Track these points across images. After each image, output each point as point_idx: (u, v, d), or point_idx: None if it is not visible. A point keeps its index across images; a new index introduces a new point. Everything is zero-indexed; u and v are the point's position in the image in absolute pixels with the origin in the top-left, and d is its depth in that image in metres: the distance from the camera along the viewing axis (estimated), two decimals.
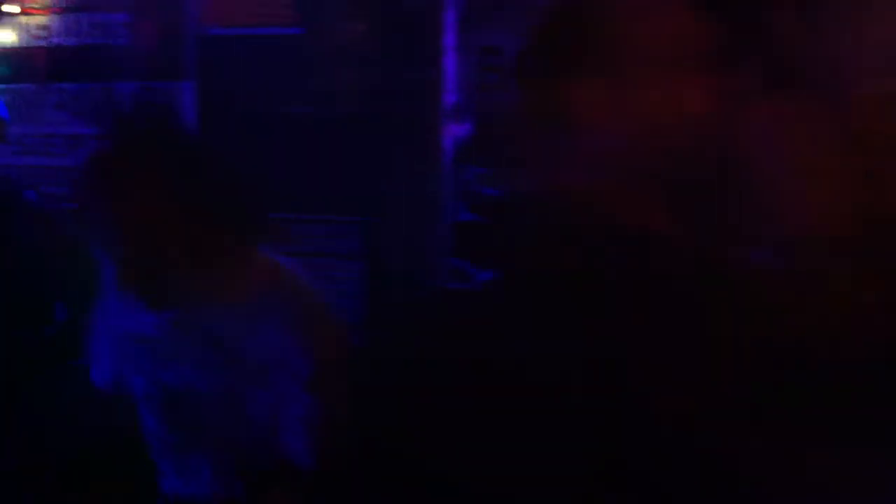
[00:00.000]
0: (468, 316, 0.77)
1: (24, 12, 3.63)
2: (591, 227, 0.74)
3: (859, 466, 0.67)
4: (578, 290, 0.71)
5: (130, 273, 1.54)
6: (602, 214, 0.74)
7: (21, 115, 3.64)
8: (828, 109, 0.69)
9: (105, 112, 2.66)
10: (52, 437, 2.30)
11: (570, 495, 0.69)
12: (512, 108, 0.84)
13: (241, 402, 1.60)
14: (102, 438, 2.13)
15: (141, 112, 1.84)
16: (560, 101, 0.76)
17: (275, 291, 1.57)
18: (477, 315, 0.76)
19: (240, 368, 1.58)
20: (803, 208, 0.69)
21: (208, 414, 1.61)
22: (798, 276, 0.68)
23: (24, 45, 3.67)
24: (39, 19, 3.64)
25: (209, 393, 1.61)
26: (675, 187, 0.71)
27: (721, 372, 0.68)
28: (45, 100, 3.63)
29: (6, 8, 3.63)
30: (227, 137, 3.03)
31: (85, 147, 1.57)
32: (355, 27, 3.04)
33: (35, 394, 2.34)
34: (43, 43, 3.64)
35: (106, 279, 1.68)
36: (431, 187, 3.04)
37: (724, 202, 0.70)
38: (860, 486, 0.68)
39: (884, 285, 0.66)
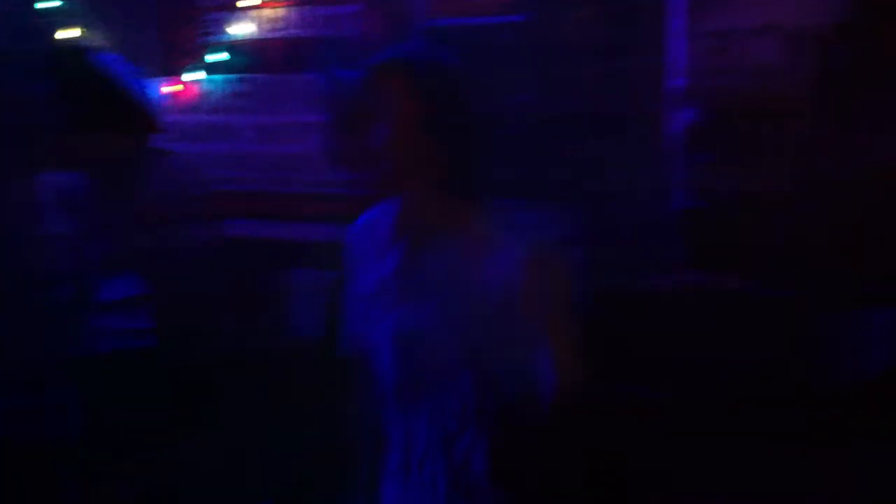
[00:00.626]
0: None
1: (261, 5, 3.85)
2: None
3: None
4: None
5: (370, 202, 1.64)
6: None
7: (259, 105, 3.88)
8: None
9: (334, 99, 2.80)
10: None
11: None
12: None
13: (470, 344, 1.60)
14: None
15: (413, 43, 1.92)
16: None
17: (507, 232, 1.57)
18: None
19: (471, 308, 1.58)
20: None
21: (438, 357, 1.63)
22: None
23: (261, 36, 3.89)
24: (275, 11, 3.84)
25: (440, 335, 1.62)
26: None
27: None
28: (282, 90, 3.83)
29: (246, 1, 3.86)
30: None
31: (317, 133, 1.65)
32: (580, 14, 3.03)
33: None
34: (278, 34, 3.85)
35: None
36: (654, 174, 3.00)
37: None
38: None
39: None
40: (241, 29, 3.87)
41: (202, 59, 3.93)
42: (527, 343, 1.49)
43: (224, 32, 3.90)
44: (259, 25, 3.86)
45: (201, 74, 3.93)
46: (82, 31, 4.12)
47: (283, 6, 3.81)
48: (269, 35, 3.86)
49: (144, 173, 2.43)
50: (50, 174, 2.62)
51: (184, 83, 3.98)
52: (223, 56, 3.91)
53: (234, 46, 3.90)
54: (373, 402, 1.76)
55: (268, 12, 3.85)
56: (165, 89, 4.01)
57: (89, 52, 2.48)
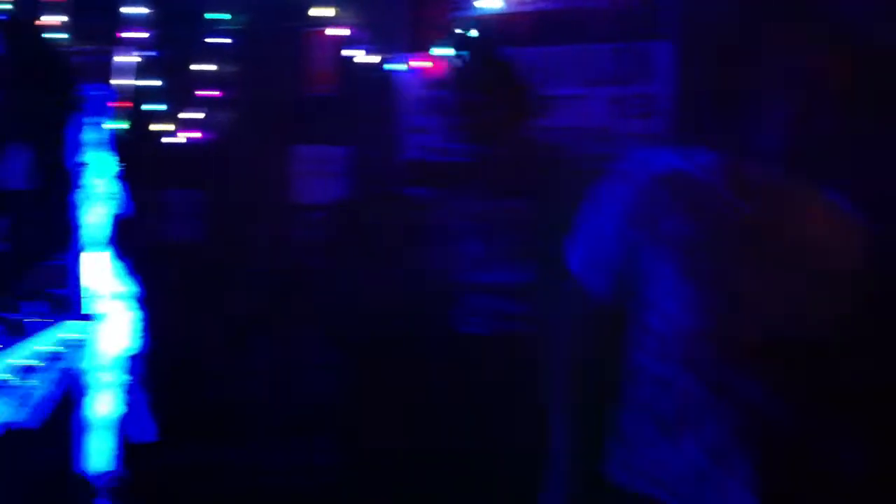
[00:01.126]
0: None
1: None
2: None
3: None
4: None
5: None
6: None
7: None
8: None
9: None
10: None
11: None
12: None
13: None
14: None
15: None
16: None
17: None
18: None
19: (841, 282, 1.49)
20: None
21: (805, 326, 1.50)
22: None
23: (510, 10, 3.86)
24: None
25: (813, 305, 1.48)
26: None
27: None
28: (529, 64, 3.78)
29: None
30: (708, 96, 2.94)
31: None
32: None
33: None
34: (527, 8, 3.80)
35: None
36: None
37: None
38: None
39: None
40: (490, 3, 3.85)
41: (452, 34, 3.95)
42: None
43: (473, 7, 3.90)
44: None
45: (450, 50, 3.96)
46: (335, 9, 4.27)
47: None
48: (519, 9, 3.82)
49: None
50: None
51: (433, 59, 4.03)
52: (472, 31, 3.92)
53: (482, 21, 3.89)
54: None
55: None
56: (414, 65, 4.08)
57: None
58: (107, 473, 1.97)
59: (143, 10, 4.98)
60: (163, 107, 4.74)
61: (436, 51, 4.00)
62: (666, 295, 1.49)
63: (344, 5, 4.27)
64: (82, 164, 2.08)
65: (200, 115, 4.74)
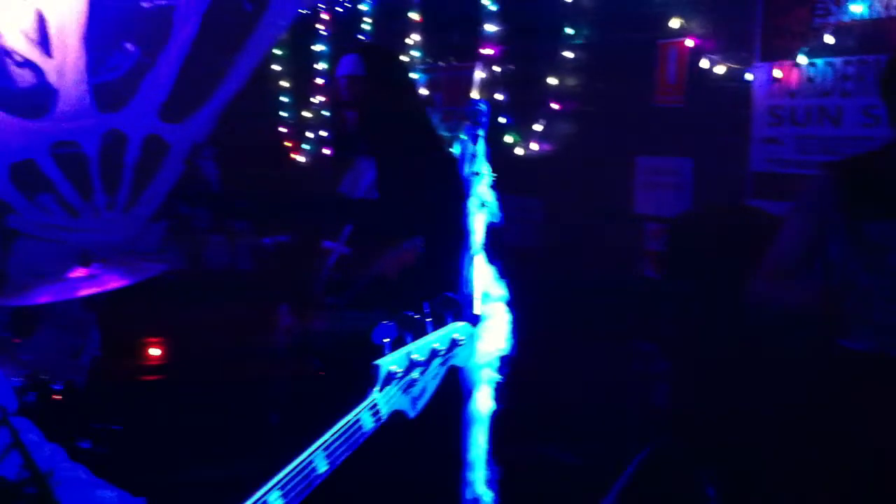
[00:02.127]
0: None
1: None
2: None
3: None
4: None
5: None
6: None
7: (867, 88, 3.62)
8: None
9: None
10: None
11: None
12: None
13: None
14: None
15: None
16: None
17: None
18: None
19: None
20: None
21: None
22: None
23: (877, 16, 3.62)
24: None
25: None
26: None
27: None
28: None
29: None
30: None
31: None
32: None
33: None
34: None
35: None
36: None
37: None
38: None
39: None
40: (857, 9, 3.63)
41: (811, 41, 3.77)
42: None
43: (838, 13, 3.70)
44: (877, 4, 3.59)
45: (805, 58, 3.79)
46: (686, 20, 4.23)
47: None
48: (888, 14, 3.57)
49: None
50: None
51: (789, 66, 3.87)
52: (830, 38, 3.72)
53: (845, 27, 3.68)
54: None
55: None
56: (767, 74, 3.95)
57: None
58: (484, 465, 2.09)
59: (494, 27, 5.24)
60: (511, 119, 4.97)
61: (795, 59, 3.83)
62: None
63: (695, 15, 4.22)
64: (475, 174, 2.21)
65: (547, 127, 4.90)
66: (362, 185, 3.23)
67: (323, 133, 6.57)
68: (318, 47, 6.56)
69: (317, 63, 6.58)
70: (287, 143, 6.79)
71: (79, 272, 3.17)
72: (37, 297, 3.18)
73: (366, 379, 1.66)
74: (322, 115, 6.61)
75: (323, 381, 3.15)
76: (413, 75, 4.93)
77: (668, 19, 4.26)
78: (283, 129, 6.80)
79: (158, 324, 4.00)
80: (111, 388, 3.57)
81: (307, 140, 6.75)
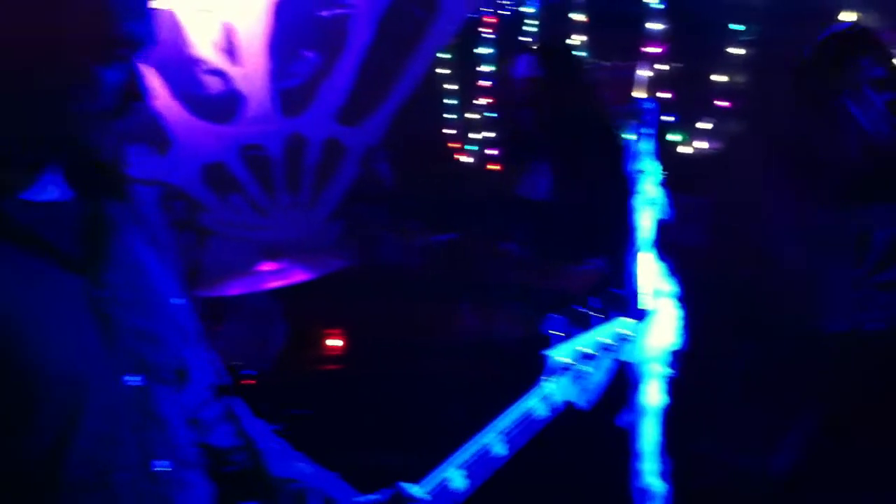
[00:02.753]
0: None
1: None
2: None
3: None
4: None
5: None
6: None
7: None
8: None
9: None
10: None
11: None
12: None
13: None
14: None
15: None
16: None
17: None
18: None
19: None
20: None
21: None
22: None
23: None
24: None
25: None
26: None
27: None
28: None
29: None
30: None
31: None
32: None
33: None
34: None
35: None
36: None
37: None
38: None
39: None
40: None
41: None
42: None
43: None
44: None
45: None
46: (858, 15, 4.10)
47: None
48: None
49: None
50: None
51: None
52: None
53: None
54: None
55: None
56: None
57: None
58: (656, 457, 2.14)
59: (660, 25, 5.23)
60: (677, 116, 4.94)
61: None
62: None
63: (868, 8, 4.09)
64: (639, 172, 2.26)
65: (714, 125, 4.85)
66: (541, 187, 3.24)
67: (488, 134, 6.69)
68: (482, 50, 6.69)
69: (481, 65, 6.71)
70: (452, 145, 6.95)
71: (267, 266, 3.41)
72: (229, 289, 3.44)
73: (536, 370, 1.75)
74: (486, 116, 6.73)
75: (499, 379, 3.20)
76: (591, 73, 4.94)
77: (840, 12, 4.15)
78: (448, 131, 6.97)
79: (338, 316, 4.21)
80: (295, 376, 3.80)
81: (471, 141, 6.89)
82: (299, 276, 3.39)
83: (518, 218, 3.27)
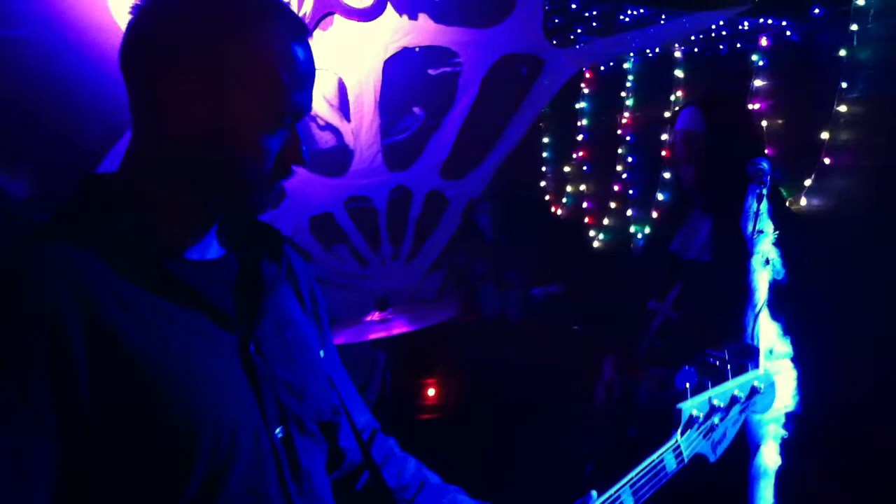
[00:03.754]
0: None
1: None
2: None
3: None
4: None
5: None
6: None
7: None
8: None
9: None
10: None
11: None
12: None
13: None
14: None
15: None
16: None
17: None
18: None
19: None
20: None
21: None
22: None
23: None
24: None
25: None
26: None
27: None
28: None
29: None
30: None
31: None
32: None
33: None
34: None
35: None
36: None
37: None
38: None
39: None
40: None
41: None
42: None
43: None
44: None
45: None
46: None
47: None
48: None
49: None
50: None
51: None
52: None
53: None
54: None
55: None
56: None
57: None
58: None
59: (763, 82, 5.21)
60: (781, 174, 4.88)
61: None
62: None
63: None
64: (759, 232, 2.27)
65: (818, 182, 4.78)
66: (694, 244, 3.04)
67: (582, 187, 6.73)
68: (580, 104, 6.76)
69: (579, 120, 6.77)
70: (548, 197, 7.00)
71: (374, 316, 3.48)
72: (335, 337, 3.51)
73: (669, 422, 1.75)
74: (582, 169, 6.78)
75: (636, 440, 3.02)
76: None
77: None
78: (544, 183, 7.04)
79: (439, 366, 4.26)
80: (393, 424, 3.84)
81: (567, 195, 6.93)
82: (401, 328, 3.44)
83: (670, 277, 3.05)
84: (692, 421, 1.74)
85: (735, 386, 1.86)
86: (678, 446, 1.71)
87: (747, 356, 1.88)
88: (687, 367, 1.74)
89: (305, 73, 1.33)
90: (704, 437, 1.81)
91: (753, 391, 1.90)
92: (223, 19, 1.27)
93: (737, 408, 1.87)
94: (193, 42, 1.26)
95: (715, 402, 1.80)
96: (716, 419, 1.82)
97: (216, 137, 1.27)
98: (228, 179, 1.31)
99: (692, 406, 1.74)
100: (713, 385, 1.80)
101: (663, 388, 2.88)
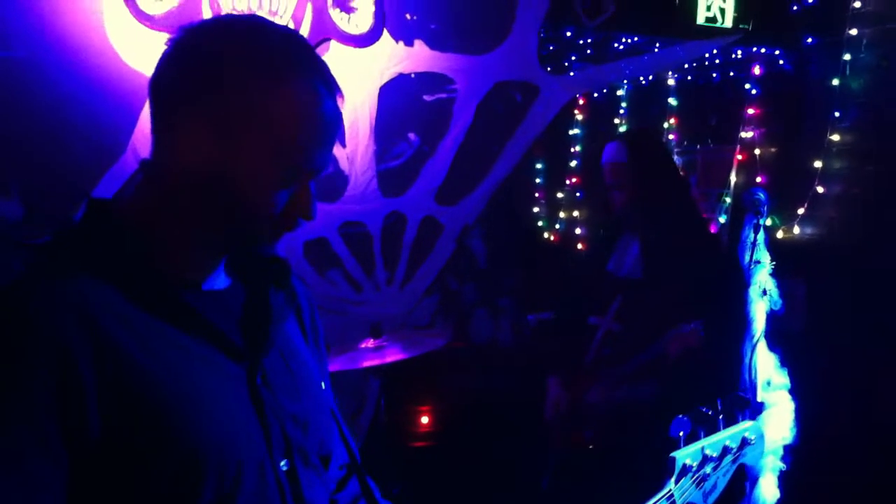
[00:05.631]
0: None
1: None
2: None
3: None
4: None
5: None
6: None
7: None
8: None
9: None
10: None
11: None
12: None
13: None
14: None
15: None
16: None
17: None
18: None
19: None
20: None
21: None
22: None
23: None
24: None
25: None
26: None
27: None
28: None
29: None
30: None
31: None
32: None
33: None
34: None
35: None
36: None
37: None
38: None
39: None
40: None
41: None
42: None
43: None
44: None
45: None
46: None
47: None
48: None
49: None
50: None
51: None
52: None
53: None
54: None
55: None
56: None
57: None
58: None
59: (754, 110, 5.25)
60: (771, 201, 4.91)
61: None
62: None
63: None
64: (756, 263, 2.28)
65: (809, 210, 4.82)
66: (627, 262, 3.38)
67: (574, 213, 6.75)
68: (573, 131, 6.79)
69: (572, 146, 6.80)
70: (540, 222, 7.02)
71: (368, 343, 3.47)
72: (330, 364, 3.49)
73: (653, 464, 1.75)
74: (574, 195, 6.80)
75: (592, 452, 3.24)
76: (674, 158, 5.01)
77: None
78: (536, 209, 7.05)
79: (431, 393, 4.24)
80: (386, 451, 3.82)
81: (559, 220, 6.95)
82: (395, 356, 3.42)
83: (607, 294, 3.36)
84: (685, 470, 1.73)
85: (727, 437, 1.86)
86: (672, 495, 1.70)
87: (741, 406, 1.88)
88: (681, 417, 1.74)
89: (328, 133, 1.32)
90: (697, 486, 1.81)
91: (745, 442, 1.90)
92: (253, 69, 1.25)
93: (728, 458, 1.86)
94: (216, 86, 1.25)
95: (707, 451, 1.80)
96: (708, 469, 1.82)
97: (222, 182, 1.26)
98: (232, 222, 1.30)
99: (686, 455, 1.73)
100: (705, 435, 1.80)
101: (614, 388, 3.20)
